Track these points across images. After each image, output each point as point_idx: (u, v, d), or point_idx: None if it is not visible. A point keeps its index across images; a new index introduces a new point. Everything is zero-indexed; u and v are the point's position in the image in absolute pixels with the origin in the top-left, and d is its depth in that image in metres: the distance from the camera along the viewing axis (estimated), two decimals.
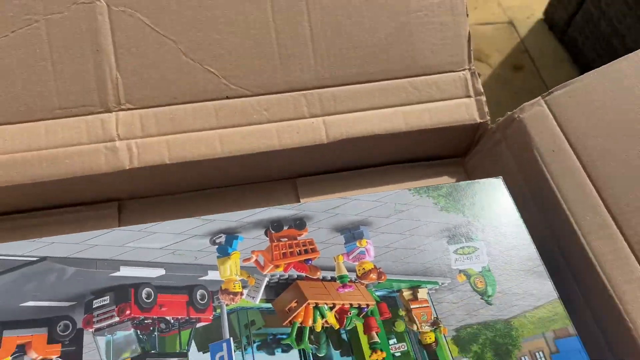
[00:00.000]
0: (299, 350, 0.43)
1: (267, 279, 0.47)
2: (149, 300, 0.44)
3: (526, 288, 0.47)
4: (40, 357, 0.41)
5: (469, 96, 0.61)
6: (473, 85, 0.61)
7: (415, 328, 0.45)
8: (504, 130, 0.60)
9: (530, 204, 0.56)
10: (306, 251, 0.48)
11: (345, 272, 0.47)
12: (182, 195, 0.61)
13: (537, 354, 0.44)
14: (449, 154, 0.65)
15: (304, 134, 0.57)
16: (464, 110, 0.60)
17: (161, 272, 0.46)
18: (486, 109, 0.61)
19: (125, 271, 0.46)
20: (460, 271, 0.48)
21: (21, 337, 0.42)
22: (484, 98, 0.61)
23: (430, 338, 0.44)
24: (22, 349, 0.42)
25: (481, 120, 0.60)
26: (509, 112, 0.59)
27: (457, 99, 0.61)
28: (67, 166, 0.53)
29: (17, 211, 0.57)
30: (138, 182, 0.56)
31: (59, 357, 0.41)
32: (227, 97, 0.57)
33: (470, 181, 0.54)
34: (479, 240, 0.50)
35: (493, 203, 0.52)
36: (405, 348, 0.44)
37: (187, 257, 0.47)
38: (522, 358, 0.43)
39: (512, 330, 0.45)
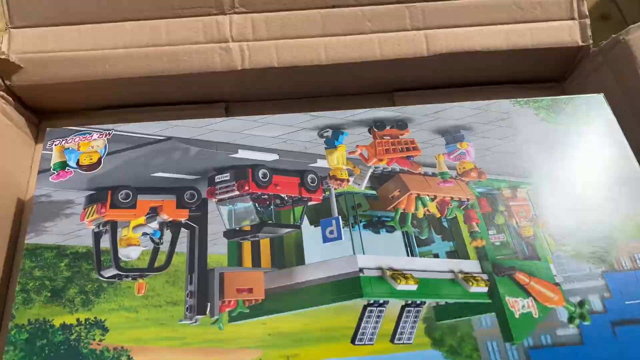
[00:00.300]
0: (403, 232, 0.46)
1: (371, 170, 0.50)
2: (265, 180, 0.48)
3: (626, 197, 0.48)
4: (171, 218, 0.46)
5: (573, 18, 0.61)
6: (578, 7, 0.61)
7: (514, 222, 0.47)
8: (606, 53, 0.59)
9: (634, 125, 0.56)
10: (408, 149, 0.51)
11: (446, 169, 0.50)
12: (284, 101, 0.64)
13: (635, 255, 0.45)
14: (547, 77, 0.65)
15: (405, 46, 0.59)
16: (566, 32, 0.60)
17: (275, 157, 0.50)
18: (589, 33, 0.60)
19: (243, 154, 0.49)
20: (558, 176, 0.49)
21: (153, 201, 0.47)
22: (588, 21, 0.60)
23: (528, 231, 0.46)
24: (154, 211, 0.46)
25: (583, 44, 0.60)
26: (613, 35, 0.59)
27: (561, 21, 0.61)
28: (185, 63, 0.57)
29: (139, 105, 0.61)
30: (246, 83, 0.60)
31: (187, 219, 0.46)
32: (334, 6, 0.59)
33: (571, 96, 0.54)
34: (578, 150, 0.51)
35: (594, 117, 0.53)
36: (505, 238, 0.46)
37: (298, 146, 0.50)
38: (621, 258, 0.45)
39: (611, 231, 0.46)
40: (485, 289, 0.43)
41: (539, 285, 0.43)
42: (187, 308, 0.42)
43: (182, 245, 0.45)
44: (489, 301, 0.43)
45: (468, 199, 0.48)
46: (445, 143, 0.51)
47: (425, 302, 0.42)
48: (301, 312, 0.42)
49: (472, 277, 0.44)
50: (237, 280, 0.43)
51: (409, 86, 0.64)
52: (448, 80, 0.64)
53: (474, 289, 0.43)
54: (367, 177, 0.49)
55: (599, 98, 0.54)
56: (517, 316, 0.42)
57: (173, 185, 0.48)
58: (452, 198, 0.48)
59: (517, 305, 0.42)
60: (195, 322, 0.41)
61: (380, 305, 0.42)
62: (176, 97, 0.61)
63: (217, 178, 0.48)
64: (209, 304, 0.42)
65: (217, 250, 0.45)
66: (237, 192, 0.47)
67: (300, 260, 0.44)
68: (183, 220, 0.46)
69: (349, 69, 0.59)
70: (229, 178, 0.48)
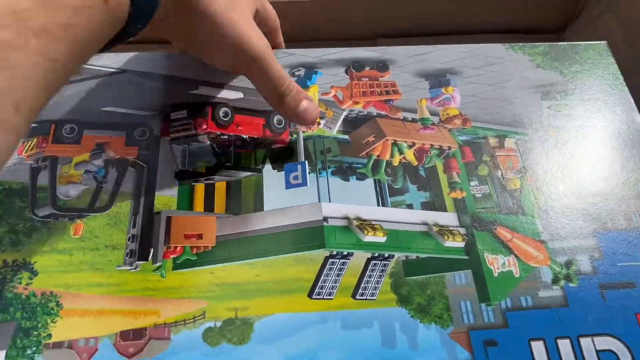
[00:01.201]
0: (374, 180, 0.42)
1: (345, 113, 0.45)
2: (226, 119, 0.43)
3: (624, 150, 0.43)
4: (118, 156, 0.41)
5: None
6: None
7: (499, 174, 0.42)
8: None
9: (638, 77, 0.51)
10: (387, 92, 0.46)
11: (427, 115, 0.45)
12: None
13: (631, 213, 0.40)
14: (545, 27, 0.60)
15: None
16: None
17: (239, 95, 0.45)
18: None
19: (203, 90, 0.45)
20: (552, 127, 0.44)
21: (100, 137, 0.42)
22: None
23: (515, 184, 0.41)
24: (100, 148, 0.42)
25: None
26: None
27: None
28: None
29: None
30: None
31: (136, 158, 0.41)
32: None
33: (571, 43, 0.49)
34: (576, 99, 0.46)
35: (594, 66, 0.48)
36: (487, 191, 0.41)
37: None
38: (615, 216, 0.40)
39: (605, 187, 0.41)
40: (462, 244, 0.39)
41: (522, 242, 0.39)
42: (128, 253, 0.37)
43: (128, 186, 0.40)
44: (465, 257, 0.38)
45: (449, 147, 0.43)
46: (429, 87, 0.46)
47: (393, 256, 0.38)
48: (254, 262, 0.37)
49: (448, 230, 0.39)
50: (186, 224, 0.39)
51: (393, 31, 0.59)
52: (438, 26, 0.58)
53: (449, 243, 0.39)
54: (340, 121, 0.44)
55: (601, 46, 0.49)
56: (495, 275, 0.37)
57: (123, 120, 0.43)
58: (432, 145, 0.43)
59: (497, 262, 0.38)
60: (135, 269, 0.37)
61: (344, 257, 0.38)
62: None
63: (173, 115, 0.43)
64: (152, 249, 0.37)
65: (167, 192, 0.40)
66: (193, 131, 0.42)
67: (258, 206, 0.40)
68: (131, 158, 0.41)
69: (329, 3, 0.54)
70: (185, 115, 0.43)
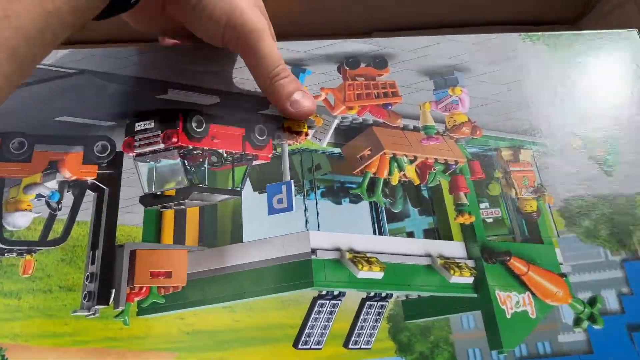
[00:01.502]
0: (370, 203, 0.36)
1: (337, 121, 0.39)
2: (200, 130, 0.37)
3: None
4: (74, 177, 0.36)
5: None
6: None
7: (513, 193, 0.37)
8: None
9: None
10: (386, 94, 0.40)
11: (432, 122, 0.39)
12: None
13: None
14: (558, 18, 0.53)
15: None
16: None
17: (215, 99, 0.39)
18: None
19: (173, 94, 0.39)
20: (575, 134, 0.39)
21: (54, 153, 0.37)
22: None
23: (531, 206, 0.36)
24: (54, 166, 0.36)
25: None
26: None
27: None
28: None
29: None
30: None
31: (95, 179, 0.36)
32: None
33: (597, 31, 0.43)
34: (604, 99, 0.40)
35: (623, 58, 0.42)
36: (500, 214, 0.36)
37: (246, 86, 0.39)
38: None
39: (636, 207, 0.36)
40: (471, 280, 0.34)
41: (539, 275, 0.34)
42: (85, 295, 0.32)
43: (86, 213, 0.35)
44: (474, 295, 0.33)
45: (456, 162, 0.38)
46: (433, 88, 0.40)
47: (391, 295, 0.33)
48: (231, 305, 0.32)
49: (455, 263, 0.34)
50: (153, 260, 0.33)
51: (390, 25, 0.52)
52: (437, 20, 0.51)
53: (455, 278, 0.34)
54: (331, 131, 0.39)
55: (632, 34, 0.43)
56: (508, 316, 0.33)
57: (81, 133, 0.37)
58: (436, 160, 0.38)
59: (510, 301, 0.33)
60: (93, 314, 0.32)
61: (335, 297, 0.33)
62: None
63: (138, 126, 0.37)
64: (113, 290, 0.32)
65: (131, 220, 0.35)
66: (162, 145, 0.37)
67: (236, 236, 0.35)
68: (89, 179, 0.36)
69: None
70: (152, 126, 0.37)
